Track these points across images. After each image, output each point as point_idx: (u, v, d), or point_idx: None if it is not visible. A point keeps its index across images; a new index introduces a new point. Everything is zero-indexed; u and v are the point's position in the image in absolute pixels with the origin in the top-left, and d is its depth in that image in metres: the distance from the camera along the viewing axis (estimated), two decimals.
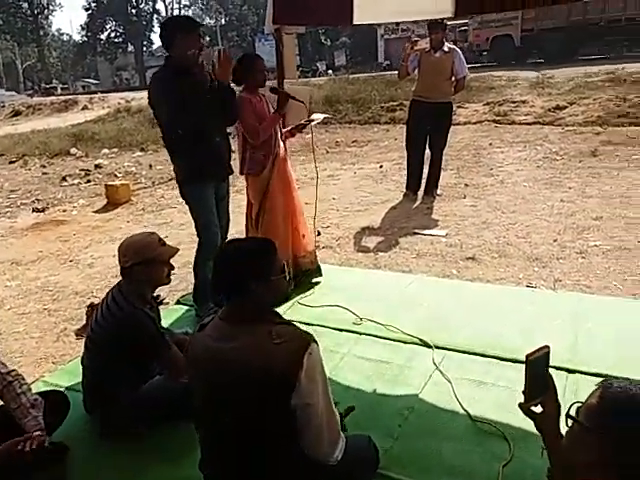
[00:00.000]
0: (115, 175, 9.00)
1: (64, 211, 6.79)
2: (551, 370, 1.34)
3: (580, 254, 4.00)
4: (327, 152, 9.60)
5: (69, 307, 3.89)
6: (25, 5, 49.09)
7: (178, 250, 2.39)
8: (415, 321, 3.19)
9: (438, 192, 6.04)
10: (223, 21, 50.64)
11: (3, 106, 25.91)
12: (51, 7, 53.11)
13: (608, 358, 2.65)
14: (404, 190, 6.16)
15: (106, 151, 11.68)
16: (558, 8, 16.40)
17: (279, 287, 1.75)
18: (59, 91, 38.92)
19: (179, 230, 5.57)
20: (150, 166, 9.67)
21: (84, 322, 3.47)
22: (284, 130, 3.79)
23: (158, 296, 3.01)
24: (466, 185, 6.28)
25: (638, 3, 17.40)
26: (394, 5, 3.86)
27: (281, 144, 3.66)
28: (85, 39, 52.77)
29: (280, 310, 3.44)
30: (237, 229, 3.95)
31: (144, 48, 51.84)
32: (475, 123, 10.40)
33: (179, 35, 2.92)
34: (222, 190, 3.35)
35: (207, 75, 3.09)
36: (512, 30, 19.50)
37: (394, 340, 2.99)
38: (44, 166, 10.44)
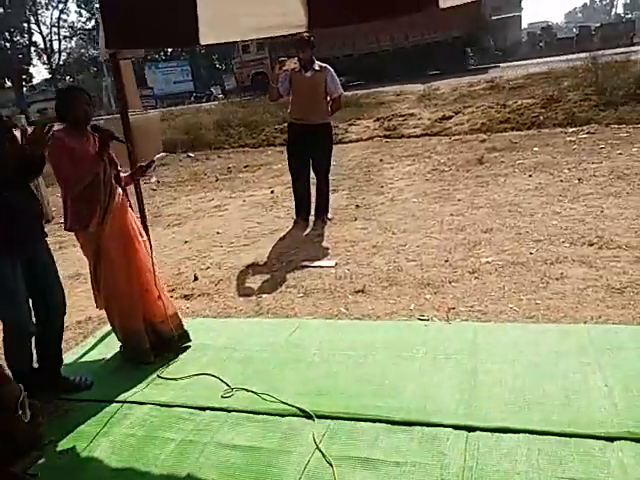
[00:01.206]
0: None
1: None
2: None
3: (473, 274, 3.73)
4: (217, 180, 9.02)
5: None
6: None
7: None
8: (296, 383, 2.69)
9: (329, 216, 5.67)
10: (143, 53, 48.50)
11: None
12: None
13: (509, 405, 2.31)
14: (294, 217, 5.73)
15: None
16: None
17: None
18: None
19: None
20: None
21: None
22: (124, 175, 3.16)
23: None
24: (357, 206, 5.97)
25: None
26: (244, 22, 3.44)
27: (118, 192, 3.00)
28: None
29: (138, 388, 2.85)
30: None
31: (23, 82, 48.43)
32: (367, 140, 10.30)
33: None
34: (40, 258, 2.66)
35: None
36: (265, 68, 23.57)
37: (270, 414, 2.47)
38: None
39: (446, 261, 4.00)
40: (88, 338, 3.61)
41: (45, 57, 51.48)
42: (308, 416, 2.40)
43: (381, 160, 8.38)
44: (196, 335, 3.34)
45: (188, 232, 5.94)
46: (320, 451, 2.17)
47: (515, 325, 3.00)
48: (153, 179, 3.03)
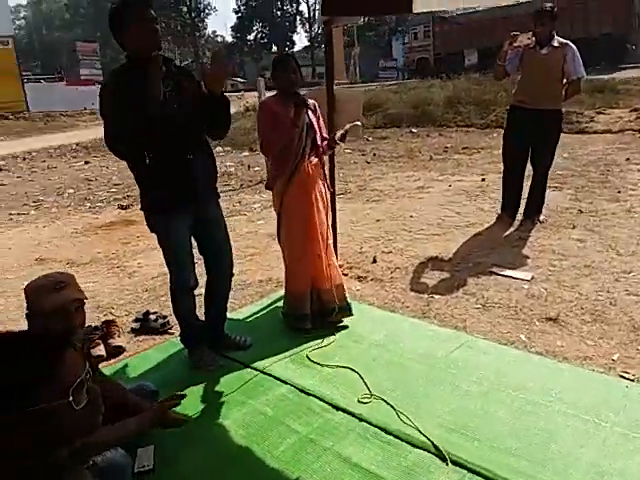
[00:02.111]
0: None
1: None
2: None
3: None
4: (430, 159, 8.66)
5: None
6: (184, 9, 53.39)
7: (75, 299, 1.86)
8: (442, 411, 2.33)
9: (541, 218, 4.91)
10: (361, 21, 50.55)
11: None
12: (207, 11, 57.31)
13: None
14: (499, 212, 5.12)
15: (219, 149, 11.79)
16: None
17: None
18: None
19: (235, 241, 5.13)
20: (248, 167, 9.52)
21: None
22: (321, 143, 3.13)
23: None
24: (580, 211, 5.04)
25: None
26: None
27: (310, 159, 3.02)
28: (234, 40, 56.31)
29: (285, 361, 2.84)
30: None
31: (286, 48, 53.72)
32: (616, 132, 8.70)
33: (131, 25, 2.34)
34: (209, 219, 2.73)
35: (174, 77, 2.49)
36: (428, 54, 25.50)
37: (400, 438, 2.18)
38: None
39: None
40: (264, 298, 3.74)
41: (307, 25, 56.27)
42: (442, 458, 2.05)
43: (628, 159, 6.97)
44: (356, 322, 3.21)
45: (383, 210, 5.78)
46: None
47: None
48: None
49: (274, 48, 54.17)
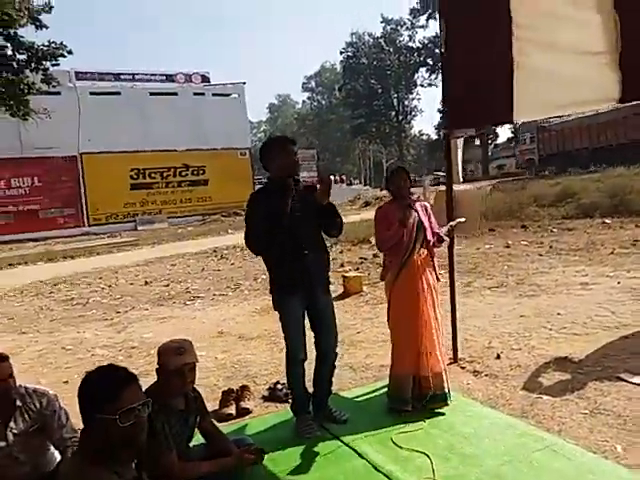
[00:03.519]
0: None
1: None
2: None
3: None
4: (612, 253, 8.00)
5: (230, 385, 4.36)
6: (392, 113, 58.24)
7: (188, 363, 2.51)
8: None
9: None
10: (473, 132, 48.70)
11: (359, 198, 31.17)
12: (414, 113, 61.42)
13: None
14: None
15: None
16: None
17: (107, 429, 1.56)
18: None
19: (376, 327, 5.54)
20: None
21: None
22: (432, 238, 3.54)
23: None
24: None
25: None
26: (556, 98, 3.24)
27: (419, 252, 3.46)
28: (436, 137, 58.95)
29: (370, 439, 3.11)
30: None
31: (489, 141, 54.00)
32: None
33: (275, 154, 3.18)
34: (319, 304, 3.29)
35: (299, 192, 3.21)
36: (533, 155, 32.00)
37: None
38: (341, 251, 11.89)
39: None
40: (378, 382, 4.05)
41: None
42: None
43: None
44: (451, 413, 3.35)
45: (532, 306, 5.62)
46: None
47: None
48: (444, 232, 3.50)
49: (477, 142, 54.91)
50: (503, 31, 3.39)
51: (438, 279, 3.61)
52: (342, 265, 9.96)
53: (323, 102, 75.11)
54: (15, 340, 6.67)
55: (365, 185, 46.62)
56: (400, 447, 2.99)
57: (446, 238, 3.55)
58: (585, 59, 2.97)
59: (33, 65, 19.90)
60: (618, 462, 2.61)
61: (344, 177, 45.76)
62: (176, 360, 2.48)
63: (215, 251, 14.64)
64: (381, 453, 2.95)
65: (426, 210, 3.63)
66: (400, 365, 3.46)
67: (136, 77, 33.32)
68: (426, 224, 3.53)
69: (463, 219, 3.78)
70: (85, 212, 31.03)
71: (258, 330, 6.07)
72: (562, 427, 3.02)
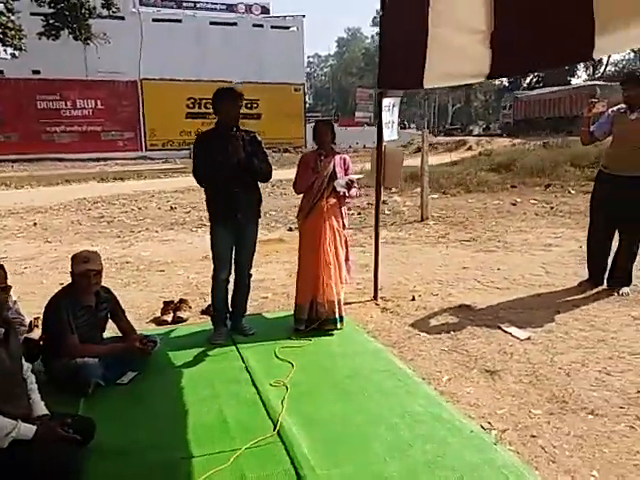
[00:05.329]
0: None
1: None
2: None
3: None
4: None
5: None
6: None
7: (92, 270, 3.19)
8: (320, 417, 2.98)
9: (626, 290, 4.55)
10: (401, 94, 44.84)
11: (412, 143, 30.72)
12: None
13: None
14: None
15: (417, 190, 12.67)
16: None
17: None
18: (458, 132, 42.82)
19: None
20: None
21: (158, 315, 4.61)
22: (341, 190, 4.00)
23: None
24: None
25: None
26: (448, 69, 3.55)
27: (327, 199, 3.95)
28: (506, 84, 56.02)
29: (259, 348, 3.74)
30: None
31: None
32: None
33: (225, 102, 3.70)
34: (245, 232, 3.88)
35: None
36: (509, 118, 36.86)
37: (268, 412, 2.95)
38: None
39: None
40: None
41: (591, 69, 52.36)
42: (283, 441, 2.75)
43: None
44: (340, 337, 3.92)
45: (481, 260, 5.95)
46: None
47: None
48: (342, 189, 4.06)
49: None
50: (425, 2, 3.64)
51: (344, 226, 4.09)
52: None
53: None
54: (39, 247, 7.74)
55: (418, 130, 45.44)
56: (277, 357, 3.63)
57: (341, 189, 3.95)
58: (470, 36, 3.21)
59: None
60: (435, 388, 3.12)
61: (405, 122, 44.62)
62: (82, 266, 3.19)
63: None
64: (259, 360, 3.58)
65: (344, 162, 4.07)
66: (302, 292, 4.04)
67: (197, 5, 33.55)
68: (339, 175, 3.98)
69: (360, 175, 4.24)
70: (143, 137, 32.51)
71: None
72: (415, 357, 3.53)
